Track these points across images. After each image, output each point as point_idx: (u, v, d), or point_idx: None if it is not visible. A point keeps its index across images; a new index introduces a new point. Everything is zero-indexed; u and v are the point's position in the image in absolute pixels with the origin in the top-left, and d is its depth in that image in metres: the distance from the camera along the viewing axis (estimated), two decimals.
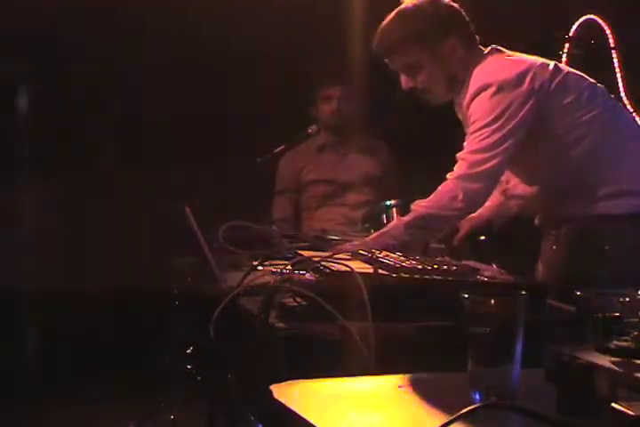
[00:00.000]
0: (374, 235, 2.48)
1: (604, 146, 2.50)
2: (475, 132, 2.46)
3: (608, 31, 3.80)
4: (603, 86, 2.64)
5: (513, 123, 2.43)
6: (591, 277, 2.36)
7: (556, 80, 2.49)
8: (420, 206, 2.45)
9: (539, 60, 2.56)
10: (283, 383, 1.32)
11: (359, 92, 4.20)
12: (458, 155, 2.48)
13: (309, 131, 3.84)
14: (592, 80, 2.61)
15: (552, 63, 2.54)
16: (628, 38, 3.85)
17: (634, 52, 3.83)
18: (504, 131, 2.43)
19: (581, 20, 3.85)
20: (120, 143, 5.04)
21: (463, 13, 2.65)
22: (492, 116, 2.44)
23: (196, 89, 4.96)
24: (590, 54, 3.79)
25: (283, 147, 3.68)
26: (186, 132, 5.03)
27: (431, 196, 2.46)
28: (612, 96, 2.72)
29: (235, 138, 4.90)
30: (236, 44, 4.90)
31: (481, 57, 2.61)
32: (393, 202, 3.29)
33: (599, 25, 3.82)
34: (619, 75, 3.81)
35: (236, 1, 4.92)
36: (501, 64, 2.56)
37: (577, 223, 2.52)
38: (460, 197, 2.39)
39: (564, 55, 3.86)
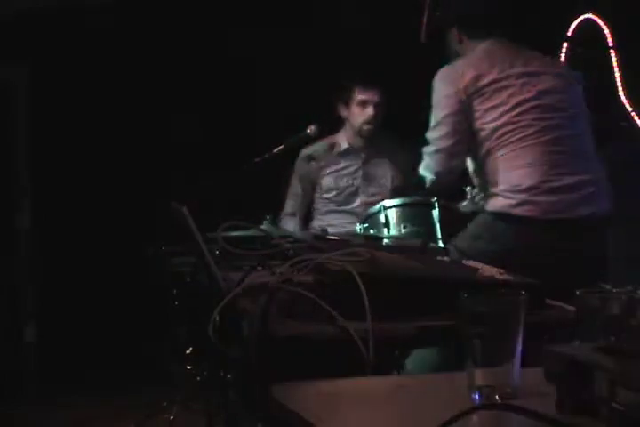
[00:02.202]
0: None
1: (498, 152, 2.90)
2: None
3: (607, 31, 3.80)
4: (553, 102, 2.96)
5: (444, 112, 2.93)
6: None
7: (484, 86, 2.90)
8: None
9: (485, 64, 2.95)
10: (282, 384, 1.32)
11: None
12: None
13: (308, 131, 3.82)
14: (543, 88, 2.94)
15: (491, 71, 2.93)
16: (627, 38, 3.85)
17: (632, 52, 3.83)
18: (437, 119, 2.96)
19: (580, 19, 3.85)
20: (120, 143, 5.04)
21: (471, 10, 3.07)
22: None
23: (196, 89, 4.97)
24: (589, 54, 3.79)
25: (281, 147, 3.67)
26: (186, 133, 5.04)
27: None
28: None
29: (234, 138, 4.91)
30: (235, 45, 4.91)
31: (470, 49, 3.04)
32: (391, 202, 3.29)
33: (598, 24, 3.82)
34: (617, 74, 3.81)
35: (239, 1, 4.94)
36: (453, 64, 3.02)
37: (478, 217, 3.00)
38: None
39: (563, 54, 3.86)
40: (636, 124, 3.81)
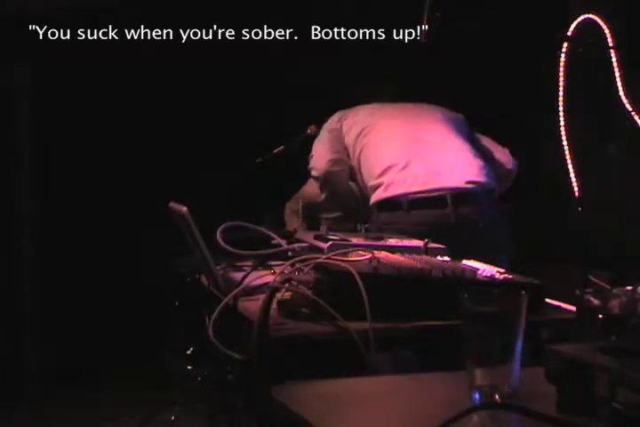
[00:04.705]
0: None
1: (363, 155, 3.31)
2: None
3: (607, 30, 3.80)
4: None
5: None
6: None
7: (345, 119, 3.45)
8: None
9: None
10: (282, 384, 1.32)
11: None
12: None
13: (308, 131, 3.82)
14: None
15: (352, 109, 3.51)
16: (627, 38, 3.84)
17: (632, 52, 3.83)
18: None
19: (580, 19, 3.85)
20: (120, 143, 5.04)
21: None
22: None
23: (197, 89, 4.97)
24: (589, 54, 3.79)
25: (281, 147, 3.68)
26: (186, 133, 5.04)
27: None
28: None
29: (234, 138, 4.91)
30: (238, 45, 4.91)
31: None
32: None
33: (598, 24, 3.82)
34: (617, 74, 3.80)
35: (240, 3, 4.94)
36: None
37: None
38: None
39: (563, 55, 3.85)
40: (637, 124, 3.80)
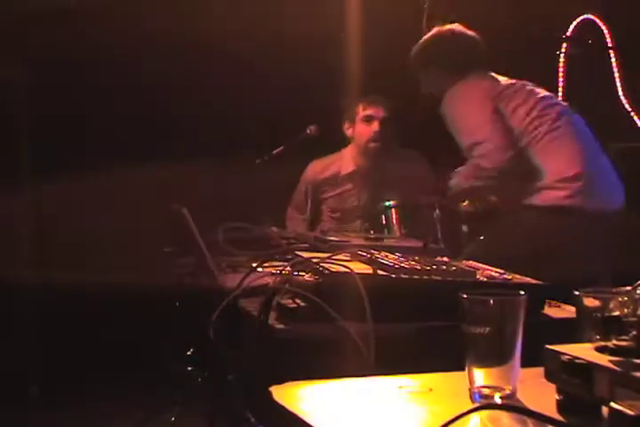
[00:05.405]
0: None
1: (534, 147, 3.02)
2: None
3: (606, 31, 3.80)
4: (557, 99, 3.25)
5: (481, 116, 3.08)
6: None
7: (502, 90, 3.12)
8: None
9: (488, 78, 3.20)
10: (282, 384, 1.32)
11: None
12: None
13: (308, 131, 3.82)
14: (545, 94, 3.18)
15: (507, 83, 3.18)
16: (626, 38, 3.85)
17: (631, 52, 3.83)
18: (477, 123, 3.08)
19: (579, 19, 3.85)
20: (120, 143, 5.04)
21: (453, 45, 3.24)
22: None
23: (196, 89, 4.97)
24: (588, 54, 3.79)
25: (281, 148, 3.68)
26: (185, 133, 5.04)
27: None
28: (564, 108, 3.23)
29: (234, 138, 4.91)
30: (238, 45, 4.91)
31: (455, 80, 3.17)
32: (392, 202, 3.29)
33: (597, 25, 3.82)
34: (616, 74, 3.81)
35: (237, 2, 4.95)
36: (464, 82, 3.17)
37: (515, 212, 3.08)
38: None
39: (562, 55, 3.86)
40: (636, 125, 3.81)
